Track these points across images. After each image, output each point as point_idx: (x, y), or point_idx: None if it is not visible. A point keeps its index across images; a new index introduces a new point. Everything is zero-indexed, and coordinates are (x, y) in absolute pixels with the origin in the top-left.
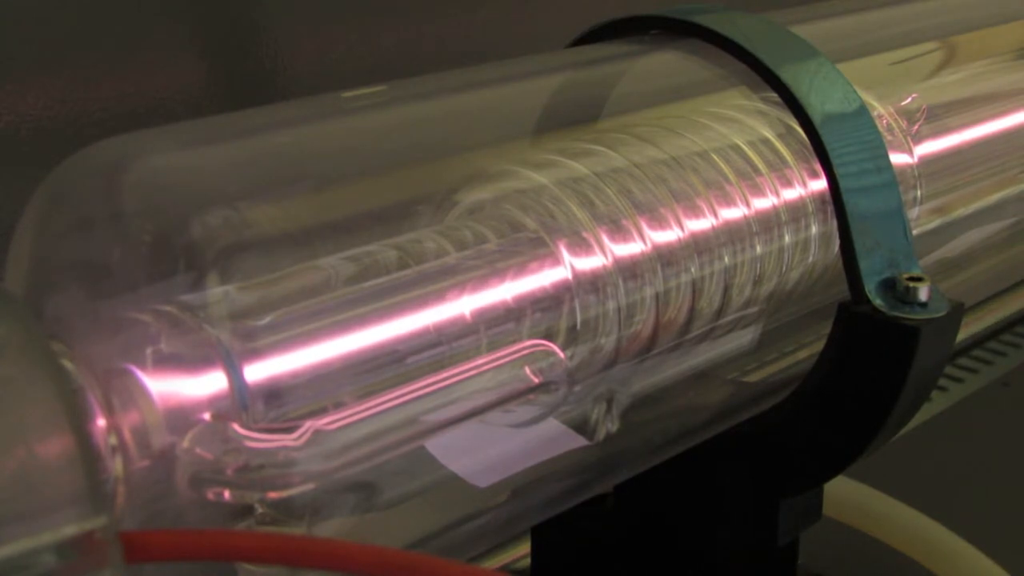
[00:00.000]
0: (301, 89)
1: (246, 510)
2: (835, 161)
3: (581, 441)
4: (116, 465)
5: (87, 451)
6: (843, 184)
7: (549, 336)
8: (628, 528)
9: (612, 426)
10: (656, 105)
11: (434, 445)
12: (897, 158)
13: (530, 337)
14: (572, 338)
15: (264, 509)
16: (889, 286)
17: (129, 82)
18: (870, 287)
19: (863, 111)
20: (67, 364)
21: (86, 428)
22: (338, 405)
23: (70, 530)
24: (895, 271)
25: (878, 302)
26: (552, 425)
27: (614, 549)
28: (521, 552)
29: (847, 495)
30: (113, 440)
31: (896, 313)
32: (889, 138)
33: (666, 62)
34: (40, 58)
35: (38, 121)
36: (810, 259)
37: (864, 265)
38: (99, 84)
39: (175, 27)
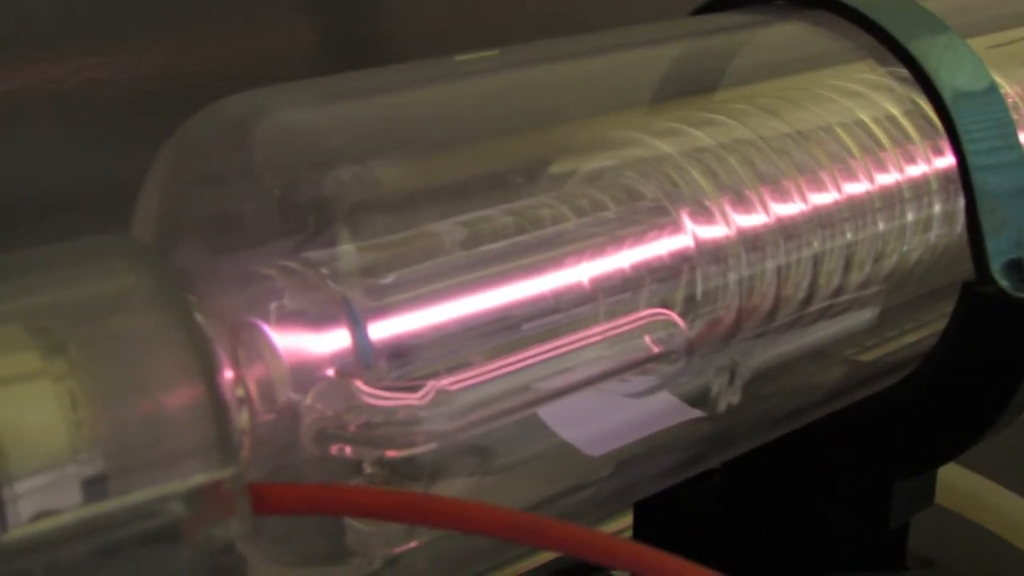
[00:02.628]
0: (411, 53)
1: (356, 470)
2: (964, 138)
3: (696, 413)
4: (242, 417)
5: (217, 402)
6: (972, 162)
7: (667, 306)
8: (734, 506)
9: (734, 398)
10: (780, 76)
11: (549, 412)
12: None
13: (648, 306)
14: (691, 308)
15: (374, 470)
16: (1015, 267)
17: (244, 43)
18: (996, 267)
19: (993, 88)
20: (197, 315)
21: (216, 379)
22: (459, 367)
23: (199, 479)
24: (1022, 251)
25: (1004, 283)
26: (667, 396)
27: (718, 526)
28: (621, 526)
29: (958, 482)
30: (240, 392)
31: (1022, 295)
32: (1016, 117)
33: (791, 32)
34: (158, 18)
35: (155, 79)
36: (932, 238)
37: (991, 245)
38: (215, 44)
39: None
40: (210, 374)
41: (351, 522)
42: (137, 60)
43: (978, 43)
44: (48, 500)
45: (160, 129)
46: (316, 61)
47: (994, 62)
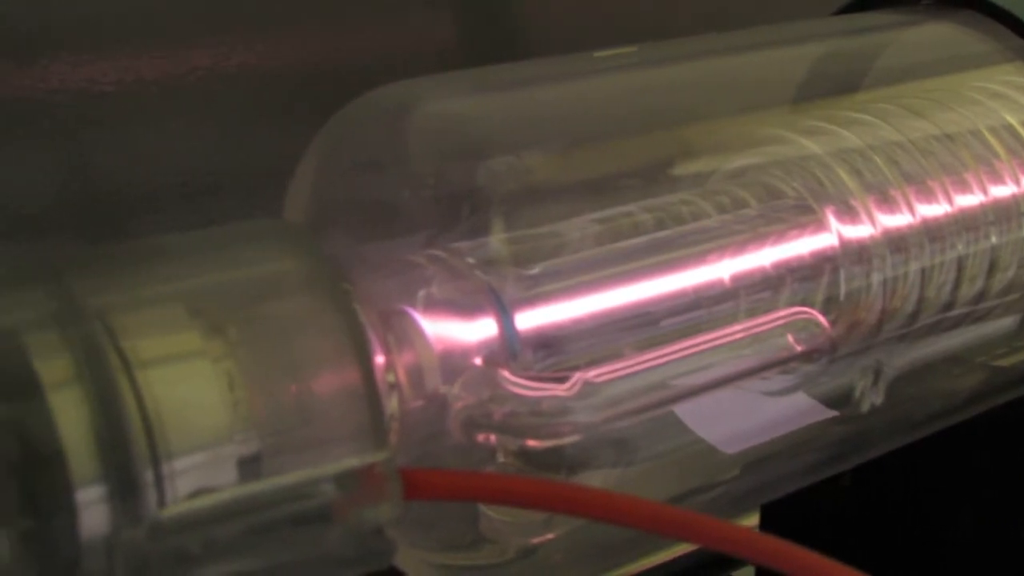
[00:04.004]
0: (546, 48)
1: (492, 460)
2: None
3: (832, 413)
4: (392, 403)
5: (371, 387)
6: None
7: (808, 305)
8: (864, 508)
9: (878, 399)
10: (925, 77)
11: (687, 408)
12: None
13: (788, 305)
14: (833, 308)
15: (507, 459)
16: None
17: (387, 35)
18: None
19: None
20: (355, 302)
21: (370, 365)
22: (602, 359)
23: (352, 462)
24: None
25: None
26: (803, 396)
27: (848, 529)
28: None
29: None
30: (391, 378)
31: None
32: None
33: (937, 33)
34: (307, 7)
35: (303, 68)
36: None
37: None
38: (361, 34)
39: None
40: (364, 359)
41: (484, 509)
42: (285, 48)
43: None
44: (205, 478)
45: (305, 117)
46: (457, 53)
47: None
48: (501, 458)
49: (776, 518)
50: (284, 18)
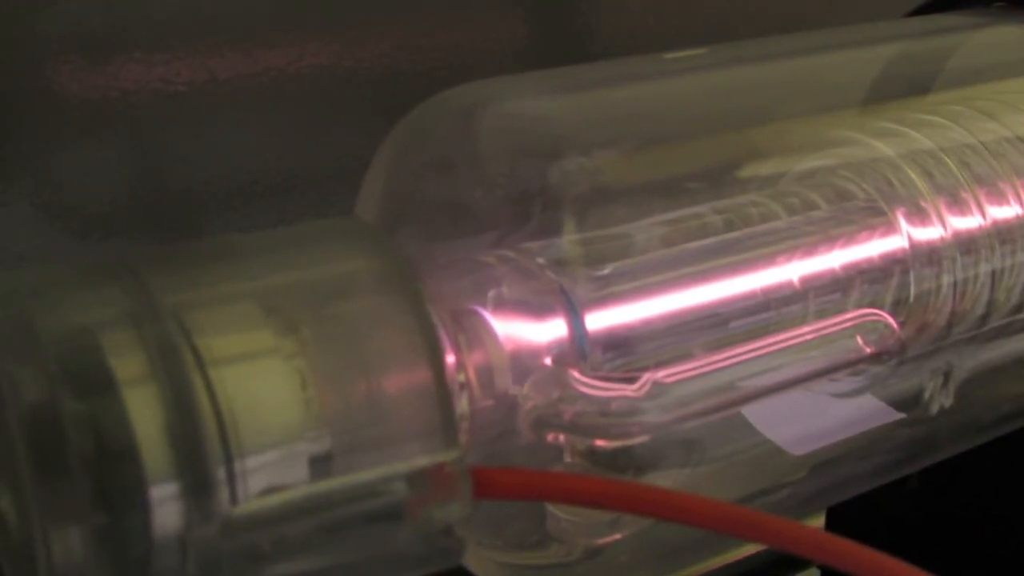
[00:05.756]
0: (617, 50)
1: (559, 459)
2: None
3: (900, 415)
4: (463, 402)
5: (441, 386)
6: None
7: (877, 307)
8: (931, 512)
9: (947, 401)
10: (998, 78)
11: (755, 410)
12: None
13: (857, 307)
14: (902, 310)
15: (573, 459)
16: None
17: (459, 35)
18: None
19: None
20: (427, 301)
21: (441, 364)
22: (671, 360)
23: (423, 461)
24: None
25: None
26: (871, 399)
27: (913, 532)
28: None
29: None
30: (461, 378)
31: None
32: None
33: (1010, 35)
34: (379, 7)
35: (374, 68)
36: None
37: None
38: (432, 35)
39: None
40: (435, 359)
41: (551, 509)
42: (356, 48)
43: None
44: (277, 476)
45: (377, 117)
46: (526, 54)
47: None
48: (568, 458)
49: (842, 520)
50: (357, 18)
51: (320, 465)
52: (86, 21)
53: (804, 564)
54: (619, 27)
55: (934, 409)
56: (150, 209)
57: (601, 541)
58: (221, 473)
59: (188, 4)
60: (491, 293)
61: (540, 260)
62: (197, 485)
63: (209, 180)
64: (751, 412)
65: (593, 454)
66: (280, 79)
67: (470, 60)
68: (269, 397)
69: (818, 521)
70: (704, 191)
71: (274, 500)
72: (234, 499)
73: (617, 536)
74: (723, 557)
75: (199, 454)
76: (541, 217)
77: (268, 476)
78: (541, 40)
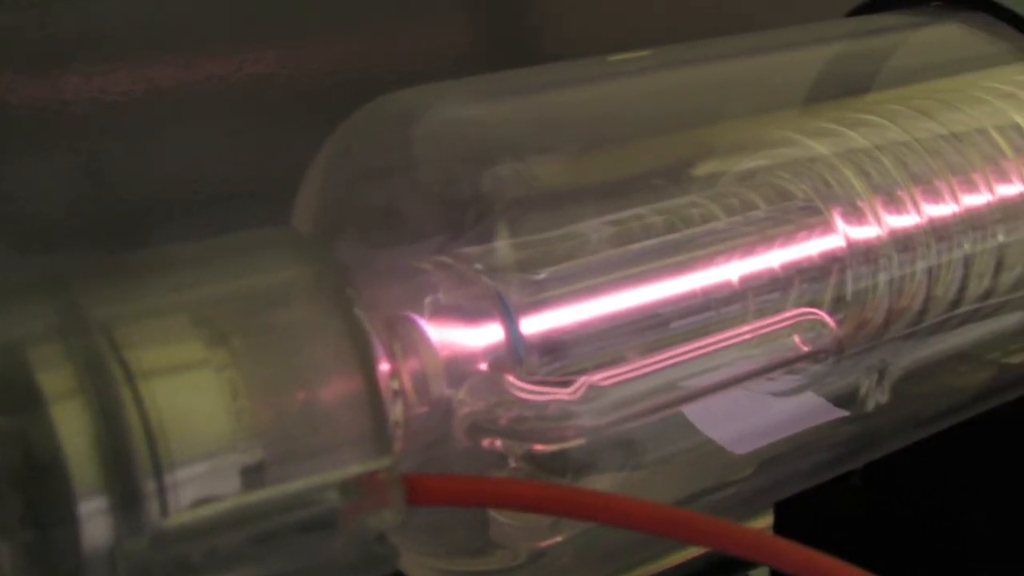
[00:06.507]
0: (564, 53)
1: (501, 464)
2: None
3: (841, 413)
4: (397, 410)
5: (374, 394)
6: None
7: (815, 305)
8: (874, 506)
9: (883, 398)
10: (934, 78)
11: (694, 410)
12: None
13: (796, 306)
14: (840, 308)
15: (518, 464)
16: None
17: (403, 42)
18: None
19: None
20: (358, 309)
21: (373, 372)
22: (609, 363)
23: (355, 469)
24: None
25: None
26: (812, 396)
27: (858, 527)
28: (761, 526)
29: None
30: (395, 385)
31: None
32: None
33: (946, 34)
34: (320, 16)
35: (317, 76)
36: None
37: None
38: (374, 42)
39: None
40: (368, 366)
41: (495, 515)
42: (299, 57)
43: None
44: (208, 487)
45: (321, 125)
46: (471, 59)
47: None
48: (512, 463)
49: (789, 518)
50: (298, 26)
51: (252, 475)
52: (23, 33)
53: (750, 565)
54: (565, 30)
55: (870, 406)
56: (92, 221)
57: (543, 544)
58: (150, 486)
59: (126, 14)
60: (427, 299)
61: (478, 266)
62: (126, 498)
63: (151, 191)
64: (692, 412)
65: (533, 458)
66: (221, 88)
67: (414, 66)
68: (199, 409)
69: (767, 518)
70: (644, 193)
71: (205, 511)
72: (164, 511)
73: (558, 539)
74: (678, 555)
75: (128, 467)
76: (477, 223)
77: (199, 488)
78: (486, 45)
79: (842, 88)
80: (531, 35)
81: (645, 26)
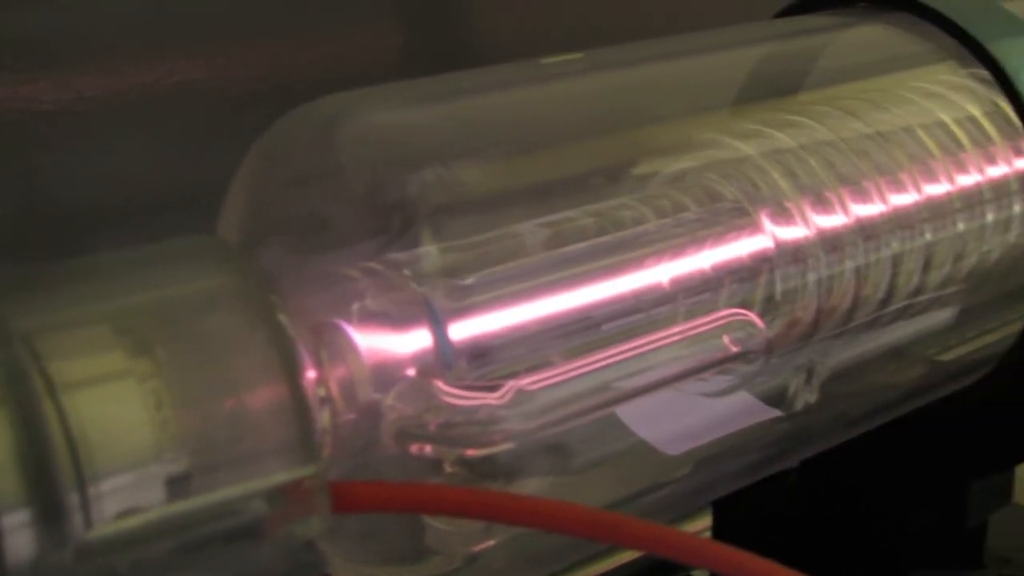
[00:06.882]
0: (496, 56)
1: (436, 469)
2: None
3: (773, 412)
4: (324, 417)
5: (299, 401)
6: None
7: (746, 306)
8: (811, 504)
9: (811, 397)
10: (861, 78)
11: (627, 411)
12: None
13: (727, 307)
14: (770, 309)
15: (454, 468)
16: None
17: (333, 47)
18: None
19: None
20: (281, 316)
21: (298, 379)
22: (539, 366)
23: (280, 477)
24: None
25: None
26: (745, 396)
27: (796, 525)
28: (701, 526)
29: None
30: (322, 392)
31: None
32: None
33: (873, 35)
34: (249, 22)
35: (245, 83)
36: (1012, 238)
37: None
38: (304, 48)
39: None
40: (292, 374)
41: (430, 521)
42: (227, 64)
43: None
44: (132, 498)
45: (250, 131)
46: (405, 64)
47: None
48: (448, 468)
49: (728, 518)
50: (226, 33)
51: (177, 485)
52: None
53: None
54: (497, 34)
55: (799, 406)
56: (20, 231)
57: (476, 548)
58: (74, 498)
59: (49, 23)
60: (355, 306)
61: (406, 272)
62: (49, 511)
63: (80, 201)
64: (624, 414)
65: (467, 463)
66: (149, 96)
67: (342, 72)
68: (122, 419)
69: (705, 519)
70: (574, 195)
71: (130, 523)
72: (88, 523)
73: (491, 542)
74: (614, 559)
75: (50, 480)
76: (403, 229)
77: (123, 499)
78: (416, 50)
79: (771, 89)
80: (462, 39)
81: (577, 29)
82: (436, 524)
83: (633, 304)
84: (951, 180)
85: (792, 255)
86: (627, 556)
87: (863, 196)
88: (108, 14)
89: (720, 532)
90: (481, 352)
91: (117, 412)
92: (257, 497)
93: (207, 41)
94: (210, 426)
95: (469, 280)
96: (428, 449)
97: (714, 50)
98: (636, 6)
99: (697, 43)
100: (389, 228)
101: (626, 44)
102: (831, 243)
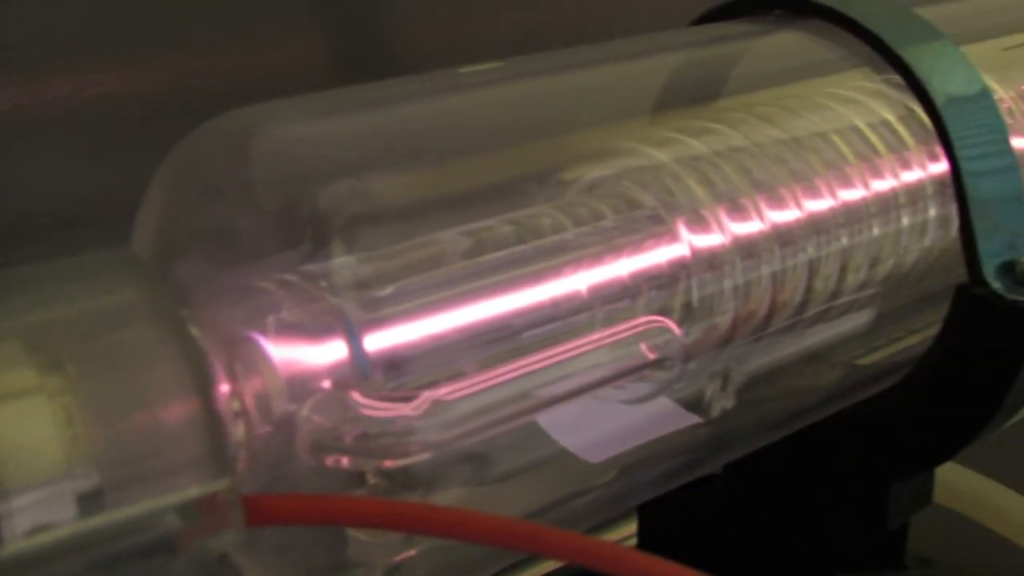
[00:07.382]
0: (418, 66)
1: (358, 481)
2: (956, 143)
3: (693, 419)
4: (238, 430)
5: (212, 415)
6: (964, 167)
7: (664, 313)
8: (736, 509)
9: (727, 403)
10: (777, 85)
11: (546, 419)
12: (1019, 142)
13: (645, 314)
14: (687, 315)
15: (376, 480)
16: (1008, 269)
17: (250, 59)
18: (988, 270)
19: (985, 94)
20: (193, 330)
21: (211, 393)
22: (455, 376)
23: (194, 492)
24: (1014, 254)
25: (996, 285)
26: (665, 402)
27: (721, 530)
28: (627, 532)
29: (957, 482)
30: (236, 405)
31: (1014, 296)
32: (1010, 122)
33: (788, 42)
34: (165, 34)
35: (161, 95)
36: (927, 242)
37: (983, 247)
38: (221, 60)
39: (296, 3)
40: (205, 388)
41: (353, 532)
42: (143, 76)
43: (979, 48)
44: (44, 515)
45: (166, 144)
46: (323, 75)
47: (992, 67)
48: (371, 480)
49: (653, 523)
50: (144, 44)
51: (89, 502)
52: None
53: None
54: (419, 43)
55: (716, 411)
56: None
57: (397, 558)
58: None
59: None
60: (271, 319)
61: (322, 283)
62: None
63: None
64: (544, 422)
65: (387, 475)
66: (64, 109)
67: (261, 84)
68: (32, 436)
69: (630, 525)
70: (492, 204)
71: (41, 540)
72: None
73: (412, 552)
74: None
75: None
76: (318, 241)
77: (34, 516)
78: (335, 61)
79: (687, 96)
80: (383, 50)
81: (496, 39)
82: (358, 536)
83: (551, 312)
84: (866, 185)
85: (708, 262)
86: (550, 565)
87: (779, 202)
88: (21, 27)
89: (645, 537)
90: (397, 363)
91: (28, 428)
92: (170, 512)
93: (123, 52)
94: (122, 441)
95: (385, 291)
96: (345, 461)
97: (631, 58)
98: (554, 15)
99: (615, 51)
100: (304, 240)
101: (544, 52)
102: (747, 249)
